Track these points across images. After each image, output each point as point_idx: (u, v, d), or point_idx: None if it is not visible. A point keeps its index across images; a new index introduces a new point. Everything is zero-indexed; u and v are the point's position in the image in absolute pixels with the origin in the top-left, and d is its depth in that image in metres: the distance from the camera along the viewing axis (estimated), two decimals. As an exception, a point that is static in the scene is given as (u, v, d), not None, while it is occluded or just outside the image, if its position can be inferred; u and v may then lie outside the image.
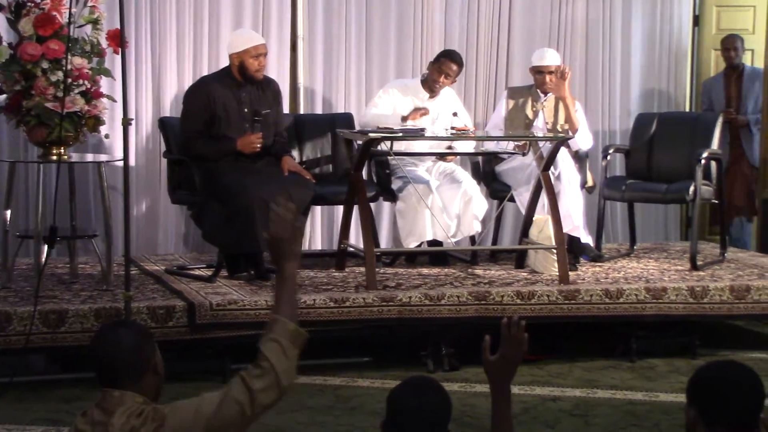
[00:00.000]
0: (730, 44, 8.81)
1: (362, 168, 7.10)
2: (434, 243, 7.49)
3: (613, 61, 8.98)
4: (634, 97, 9.03)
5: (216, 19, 7.99)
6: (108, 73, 6.60)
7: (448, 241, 7.47)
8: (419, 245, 7.39)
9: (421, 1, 8.51)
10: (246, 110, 6.89)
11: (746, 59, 9.05)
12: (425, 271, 7.25)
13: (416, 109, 7.48)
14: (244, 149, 6.81)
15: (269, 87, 7.10)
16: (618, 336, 6.94)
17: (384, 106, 7.55)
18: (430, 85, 7.61)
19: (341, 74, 8.40)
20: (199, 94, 6.92)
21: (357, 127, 7.60)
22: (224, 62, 7.18)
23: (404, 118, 7.41)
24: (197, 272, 7.00)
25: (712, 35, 9.21)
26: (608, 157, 8.01)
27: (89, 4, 6.50)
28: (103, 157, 7.01)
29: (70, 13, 6.21)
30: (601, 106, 8.94)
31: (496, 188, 7.79)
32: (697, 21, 9.22)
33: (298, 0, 8.25)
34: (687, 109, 9.12)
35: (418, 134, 7.08)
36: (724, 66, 8.97)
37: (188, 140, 6.88)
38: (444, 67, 7.56)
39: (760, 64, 8.89)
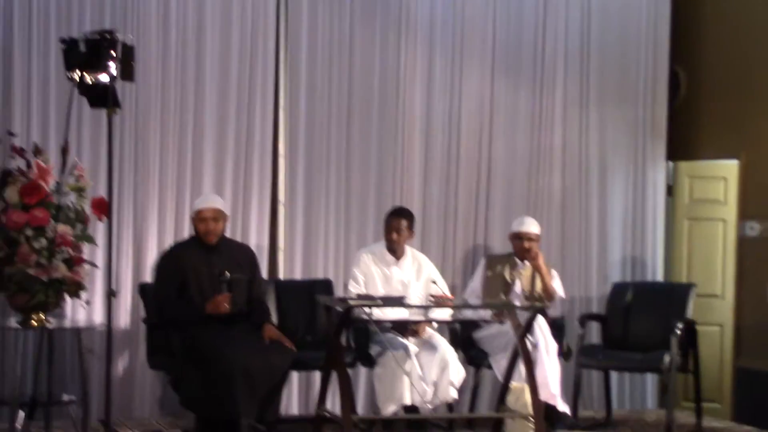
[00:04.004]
0: None
1: (341, 334, 7.14)
2: (411, 408, 7.49)
3: (589, 229, 9.10)
4: (610, 265, 9.13)
5: (198, 186, 8.09)
6: (91, 240, 6.68)
7: (425, 407, 7.48)
8: (396, 411, 7.40)
9: (401, 168, 8.65)
10: (216, 273, 6.98)
11: (718, 229, 9.19)
12: (403, 437, 7.24)
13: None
14: (213, 311, 6.87)
15: (243, 252, 7.27)
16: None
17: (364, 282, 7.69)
18: (390, 246, 7.71)
19: (320, 240, 8.47)
20: (169, 260, 7.10)
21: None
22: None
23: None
24: (174, 439, 6.97)
25: (685, 204, 9.37)
26: (585, 326, 8.07)
27: (75, 172, 6.60)
28: (80, 322, 7.04)
29: (56, 182, 6.29)
30: (578, 274, 9.02)
31: (474, 355, 7.84)
32: (670, 190, 9.39)
33: (280, 166, 8.38)
34: (661, 278, 9.22)
35: (398, 302, 7.14)
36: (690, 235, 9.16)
37: (160, 306, 6.97)
38: (393, 224, 7.69)
39: (731, 234, 9.03)
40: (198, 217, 7.12)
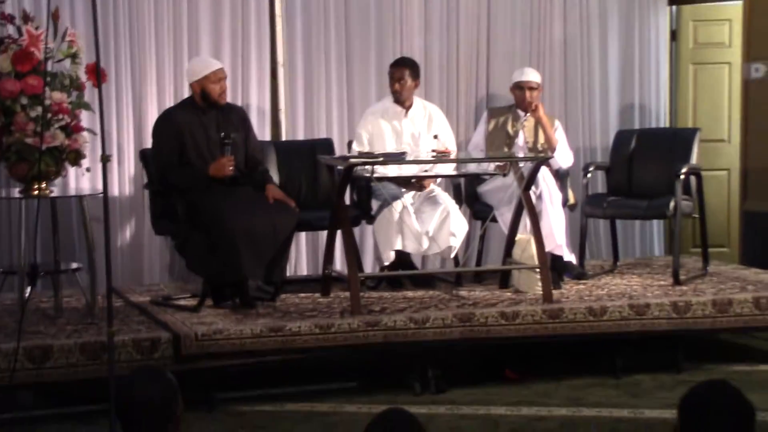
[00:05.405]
0: None
1: (344, 193, 7.13)
2: (406, 258, 7.51)
3: (592, 79, 9.03)
4: (613, 114, 9.08)
5: (195, 48, 8.00)
6: (88, 107, 6.62)
7: (421, 253, 7.51)
8: (390, 265, 7.41)
9: (400, 24, 8.55)
10: (213, 135, 6.95)
11: (723, 73, 9.11)
12: (410, 294, 7.27)
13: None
14: (217, 173, 6.85)
15: (234, 112, 7.20)
16: (602, 353, 6.96)
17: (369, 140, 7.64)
18: (396, 97, 7.65)
19: (322, 99, 8.42)
20: (165, 125, 7.01)
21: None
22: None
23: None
24: (182, 302, 7.01)
25: (689, 49, 9.26)
26: (589, 175, 8.05)
27: (67, 38, 6.52)
28: (85, 191, 7.04)
29: (47, 48, 6.21)
30: (581, 124, 8.98)
31: (479, 209, 7.84)
32: (674, 35, 9.28)
33: (277, 26, 8.28)
34: (666, 124, 9.17)
35: (399, 158, 7.11)
36: (695, 80, 9.07)
37: (162, 172, 6.94)
38: (396, 74, 7.61)
39: (736, 78, 8.95)
40: (212, 79, 6.99)
